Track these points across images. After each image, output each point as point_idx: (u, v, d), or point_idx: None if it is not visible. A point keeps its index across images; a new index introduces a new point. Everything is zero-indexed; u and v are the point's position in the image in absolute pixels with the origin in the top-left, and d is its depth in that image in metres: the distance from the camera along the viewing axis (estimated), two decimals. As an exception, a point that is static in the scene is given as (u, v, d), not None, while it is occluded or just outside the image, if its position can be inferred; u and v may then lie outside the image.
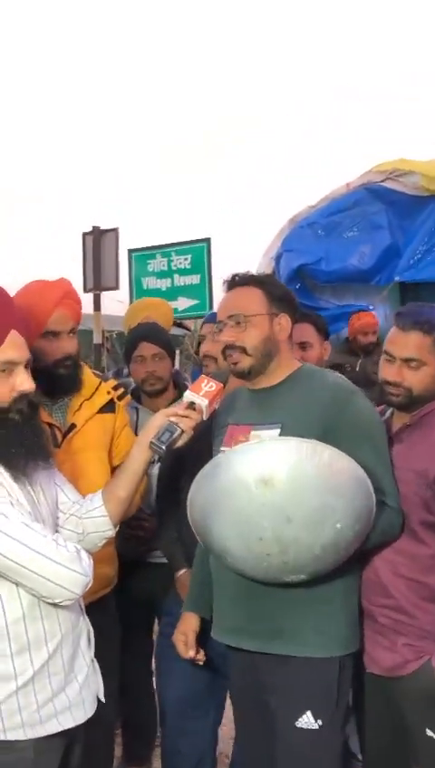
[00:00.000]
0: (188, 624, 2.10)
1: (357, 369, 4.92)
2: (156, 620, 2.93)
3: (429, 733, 1.90)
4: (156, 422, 1.74)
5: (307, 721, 1.81)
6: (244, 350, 1.92)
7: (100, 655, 1.87)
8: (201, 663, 2.11)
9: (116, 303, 8.09)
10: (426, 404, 1.99)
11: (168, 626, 2.50)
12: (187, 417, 1.73)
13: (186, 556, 2.39)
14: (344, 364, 4.72)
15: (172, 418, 1.73)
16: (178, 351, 8.25)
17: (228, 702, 2.37)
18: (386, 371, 2.00)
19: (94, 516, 1.75)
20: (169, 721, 2.48)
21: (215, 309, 2.37)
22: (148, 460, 1.77)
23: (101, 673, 1.85)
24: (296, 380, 1.95)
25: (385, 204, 4.93)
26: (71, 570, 1.53)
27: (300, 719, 1.81)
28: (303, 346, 2.74)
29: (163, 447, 1.70)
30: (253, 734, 1.99)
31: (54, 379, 2.19)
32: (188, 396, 1.78)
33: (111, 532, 1.78)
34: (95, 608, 2.20)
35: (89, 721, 1.72)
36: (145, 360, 2.83)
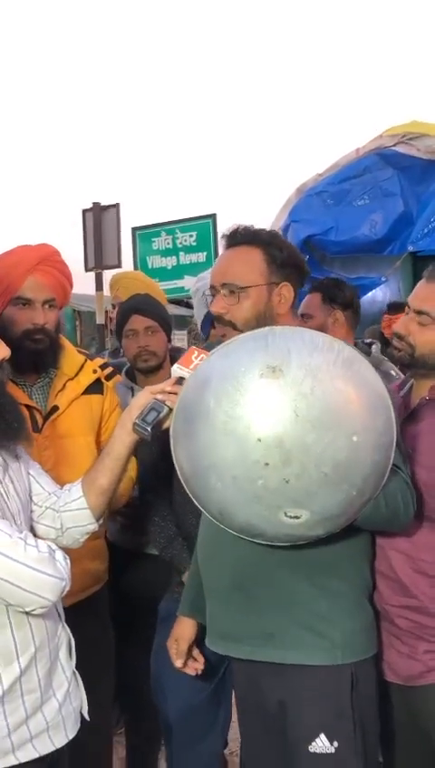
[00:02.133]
0: (182, 630, 1.91)
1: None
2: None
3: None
4: (140, 400, 1.56)
5: (322, 745, 1.59)
6: (233, 326, 1.70)
7: (92, 658, 1.71)
8: (199, 672, 1.91)
9: (120, 283, 7.90)
10: (432, 370, 1.77)
11: (164, 634, 2.32)
12: (175, 393, 1.53)
13: (188, 552, 2.20)
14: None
15: (159, 396, 1.55)
16: (186, 332, 8.08)
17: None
18: (399, 322, 1.81)
19: (73, 509, 1.57)
20: (173, 735, 2.31)
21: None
22: (132, 443, 1.58)
23: (95, 677, 1.69)
24: None
25: (397, 169, 4.74)
26: (42, 573, 1.34)
27: (313, 743, 1.59)
28: (303, 318, 2.56)
29: (148, 428, 1.51)
30: (261, 760, 1.78)
31: (22, 353, 1.97)
32: (177, 370, 1.58)
33: (94, 527, 1.60)
34: (85, 606, 2.05)
35: (83, 733, 1.54)
36: (137, 334, 2.64)
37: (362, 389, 1.40)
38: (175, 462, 1.50)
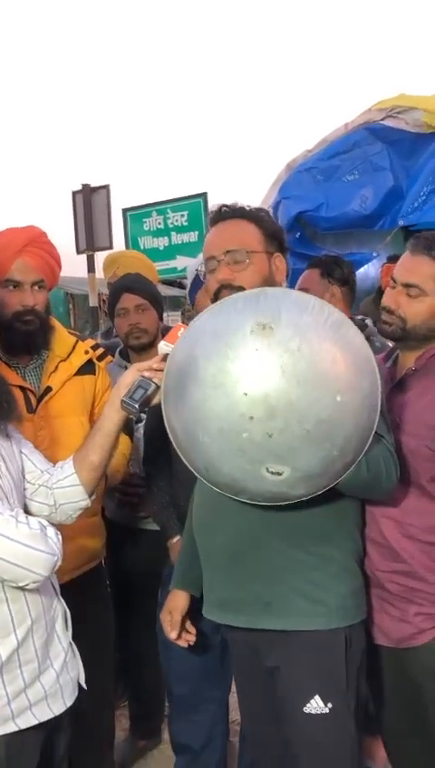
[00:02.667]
0: (176, 602, 1.94)
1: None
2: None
3: (447, 704, 1.74)
4: (127, 378, 1.57)
5: (316, 706, 1.63)
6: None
7: (91, 633, 1.75)
8: (191, 643, 1.94)
9: (112, 265, 7.86)
10: (428, 343, 1.79)
11: (166, 597, 2.37)
12: (162, 370, 1.54)
13: (179, 521, 2.24)
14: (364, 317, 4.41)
15: (146, 373, 1.56)
16: (179, 312, 8.05)
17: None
18: (386, 297, 1.81)
19: (65, 486, 1.59)
20: (176, 696, 2.37)
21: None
22: (121, 421, 1.60)
23: (94, 650, 1.73)
24: None
25: (386, 143, 4.69)
26: (34, 549, 1.37)
27: (308, 704, 1.64)
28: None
29: (136, 406, 1.53)
30: (260, 722, 1.83)
31: (12, 334, 2.02)
32: (163, 347, 1.59)
33: (86, 503, 1.62)
34: (83, 583, 2.08)
35: (84, 702, 1.59)
36: (128, 313, 2.66)
37: (348, 351, 1.42)
38: (165, 420, 1.52)
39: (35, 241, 2.06)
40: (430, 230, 1.94)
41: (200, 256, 3.32)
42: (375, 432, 1.47)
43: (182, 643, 1.94)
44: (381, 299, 4.47)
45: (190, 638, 1.93)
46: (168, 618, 1.93)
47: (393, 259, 4.37)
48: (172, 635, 1.91)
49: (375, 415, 1.46)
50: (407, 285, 1.77)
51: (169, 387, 1.49)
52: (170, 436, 1.52)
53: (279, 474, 1.43)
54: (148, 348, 2.64)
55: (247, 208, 1.78)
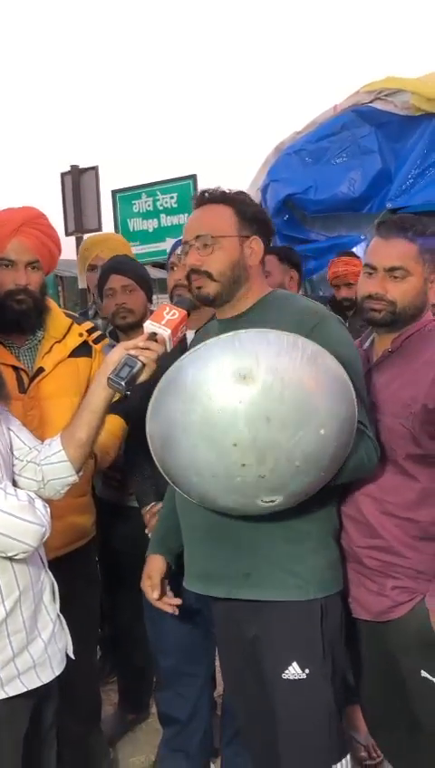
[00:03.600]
0: (153, 565, 1.96)
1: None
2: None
3: (423, 674, 1.80)
4: (114, 356, 1.60)
5: (294, 672, 1.70)
6: (210, 276, 1.75)
7: (77, 609, 1.79)
8: (176, 612, 1.97)
9: (101, 247, 7.84)
10: (406, 325, 1.82)
11: None
12: (148, 348, 1.58)
13: (156, 493, 2.28)
14: None
15: (132, 351, 1.58)
16: (167, 296, 8.04)
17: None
18: (366, 285, 1.83)
19: (53, 462, 1.62)
20: (163, 669, 2.42)
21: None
22: (108, 398, 1.63)
23: (80, 626, 1.76)
24: (265, 306, 1.79)
25: (374, 126, 4.69)
26: (22, 520, 1.41)
27: (286, 671, 1.70)
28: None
29: (123, 383, 1.56)
30: (243, 692, 1.89)
31: (4, 313, 2.05)
32: (149, 326, 1.62)
33: (74, 478, 1.65)
34: (73, 559, 2.12)
35: (71, 673, 1.63)
36: (115, 293, 2.70)
37: (326, 382, 1.50)
38: (157, 462, 1.61)
39: (31, 222, 2.07)
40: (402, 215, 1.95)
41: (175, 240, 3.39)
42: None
43: (166, 608, 1.96)
44: (334, 306, 4.42)
45: (175, 601, 1.95)
46: (147, 581, 1.95)
47: (345, 253, 4.35)
48: (154, 595, 1.93)
49: (354, 423, 1.55)
50: (391, 269, 1.79)
51: (154, 432, 1.57)
52: (164, 474, 1.61)
53: (272, 501, 1.53)
54: (135, 328, 2.66)
55: (227, 192, 1.81)
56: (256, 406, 1.43)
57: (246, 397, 1.43)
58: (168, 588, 1.97)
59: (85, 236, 7.14)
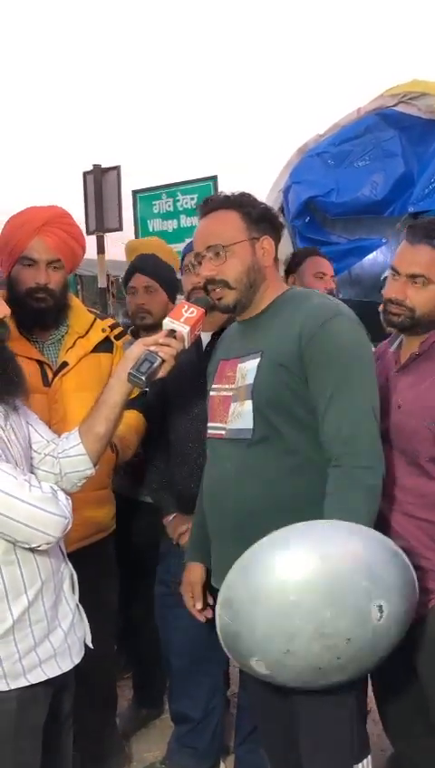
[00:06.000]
0: (194, 575, 1.96)
1: None
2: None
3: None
4: (134, 353, 1.62)
5: None
6: (226, 284, 1.75)
7: (98, 598, 1.80)
8: (209, 616, 1.95)
9: (121, 247, 7.88)
10: (430, 329, 1.82)
11: (163, 572, 2.42)
12: (167, 345, 1.60)
13: (176, 500, 2.29)
14: None
15: (151, 348, 1.60)
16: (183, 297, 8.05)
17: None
18: (389, 288, 1.84)
19: (71, 455, 1.64)
20: (175, 669, 2.43)
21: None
22: (127, 393, 1.64)
23: (100, 615, 1.78)
24: (280, 305, 1.79)
25: (398, 129, 4.68)
26: (46, 511, 1.42)
27: None
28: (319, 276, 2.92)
29: (143, 378, 1.57)
30: (263, 690, 1.88)
31: (24, 310, 2.06)
32: (168, 323, 1.65)
33: (91, 471, 1.67)
34: (91, 552, 2.14)
35: (88, 663, 1.65)
36: (137, 292, 2.72)
37: None
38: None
39: (55, 221, 2.09)
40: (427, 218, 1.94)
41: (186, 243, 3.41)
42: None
43: (201, 617, 1.96)
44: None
45: (208, 613, 1.95)
46: (189, 591, 1.96)
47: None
48: (198, 605, 1.93)
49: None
50: (412, 276, 1.80)
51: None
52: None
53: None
54: (154, 329, 2.68)
55: (230, 196, 1.79)
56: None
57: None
58: (209, 597, 1.97)
59: (107, 235, 7.21)
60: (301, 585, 1.43)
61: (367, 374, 1.67)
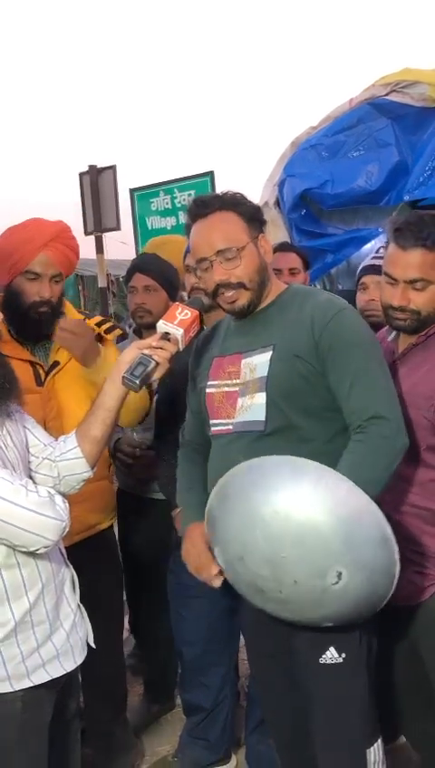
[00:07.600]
0: (201, 537, 1.76)
1: None
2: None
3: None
4: (128, 356, 1.64)
5: (331, 656, 1.71)
6: (242, 285, 1.75)
7: (100, 594, 1.81)
8: (220, 583, 1.77)
9: (120, 246, 7.89)
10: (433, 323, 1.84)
11: (173, 563, 2.44)
12: (161, 348, 1.62)
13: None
14: None
15: (145, 351, 1.62)
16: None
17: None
18: (389, 295, 1.85)
19: (69, 458, 1.66)
20: (187, 660, 2.46)
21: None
22: (122, 396, 1.67)
23: (105, 609, 1.80)
24: (286, 300, 1.81)
25: (391, 119, 4.66)
26: (43, 516, 1.44)
27: (323, 656, 1.71)
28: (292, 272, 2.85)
29: (137, 381, 1.60)
30: (272, 677, 1.90)
31: (26, 322, 2.13)
32: (162, 326, 1.67)
33: (89, 474, 1.69)
34: (93, 542, 2.18)
35: (95, 660, 1.67)
36: (137, 292, 2.74)
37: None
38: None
39: (60, 237, 2.14)
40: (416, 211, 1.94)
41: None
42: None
43: (217, 582, 1.76)
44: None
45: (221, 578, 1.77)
46: (205, 556, 1.76)
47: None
48: (214, 569, 1.74)
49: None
50: (412, 281, 1.81)
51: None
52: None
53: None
54: (153, 328, 2.70)
55: (223, 196, 1.78)
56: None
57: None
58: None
59: (105, 235, 7.20)
60: (283, 510, 1.47)
61: (382, 359, 1.74)
